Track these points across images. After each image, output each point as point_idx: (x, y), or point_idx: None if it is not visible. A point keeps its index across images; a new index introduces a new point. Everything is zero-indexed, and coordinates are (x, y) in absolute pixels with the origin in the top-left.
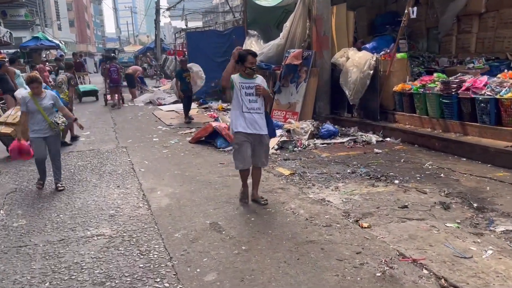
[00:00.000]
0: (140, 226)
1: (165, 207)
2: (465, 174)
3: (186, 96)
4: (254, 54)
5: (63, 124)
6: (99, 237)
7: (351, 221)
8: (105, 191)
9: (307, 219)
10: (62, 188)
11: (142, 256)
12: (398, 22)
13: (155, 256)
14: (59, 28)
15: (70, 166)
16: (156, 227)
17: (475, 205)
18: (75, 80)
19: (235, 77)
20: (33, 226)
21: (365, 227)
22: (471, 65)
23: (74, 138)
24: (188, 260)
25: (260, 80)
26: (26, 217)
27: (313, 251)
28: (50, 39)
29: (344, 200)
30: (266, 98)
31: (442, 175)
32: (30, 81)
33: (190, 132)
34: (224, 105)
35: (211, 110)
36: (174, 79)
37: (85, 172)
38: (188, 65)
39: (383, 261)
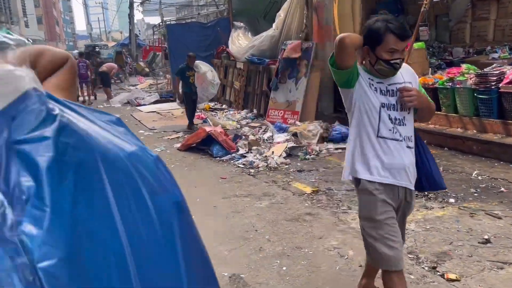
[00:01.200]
0: None
1: None
2: None
3: (190, 100)
4: (402, 34)
5: None
6: None
7: (426, 268)
8: None
9: (362, 265)
10: None
11: None
12: (401, 10)
13: None
14: (26, 25)
15: None
16: None
17: None
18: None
19: (359, 67)
20: None
21: (453, 280)
22: (495, 55)
23: None
24: None
25: (409, 73)
26: None
27: None
28: (14, 36)
29: None
30: (424, 112)
31: (502, 188)
32: None
33: (177, 137)
34: (211, 104)
35: (198, 111)
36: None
37: None
38: (196, 62)
39: None
